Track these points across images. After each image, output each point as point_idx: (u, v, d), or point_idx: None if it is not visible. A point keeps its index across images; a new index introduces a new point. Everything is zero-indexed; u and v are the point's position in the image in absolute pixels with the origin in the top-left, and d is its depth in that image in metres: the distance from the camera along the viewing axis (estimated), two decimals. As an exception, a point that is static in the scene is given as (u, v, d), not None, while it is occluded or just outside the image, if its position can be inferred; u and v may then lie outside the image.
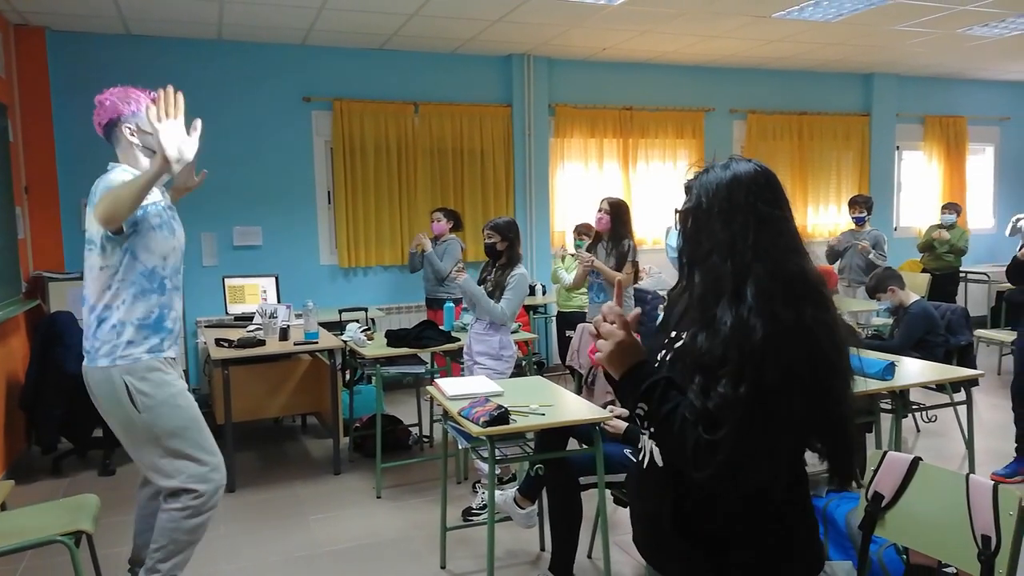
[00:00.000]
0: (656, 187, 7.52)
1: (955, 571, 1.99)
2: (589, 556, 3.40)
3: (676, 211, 1.52)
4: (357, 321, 4.94)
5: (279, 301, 5.34)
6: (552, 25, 5.92)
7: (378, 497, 4.17)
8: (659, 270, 6.83)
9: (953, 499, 1.90)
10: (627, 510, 3.53)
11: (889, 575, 2.52)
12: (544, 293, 6.81)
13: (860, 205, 6.56)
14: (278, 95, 6.32)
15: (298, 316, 4.89)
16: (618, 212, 4.67)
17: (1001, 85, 9.07)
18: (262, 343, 4.45)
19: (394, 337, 4.37)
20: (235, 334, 4.62)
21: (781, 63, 7.61)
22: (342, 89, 6.46)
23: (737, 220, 1.37)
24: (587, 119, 7.26)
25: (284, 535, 3.73)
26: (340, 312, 5.52)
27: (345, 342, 4.50)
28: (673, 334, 1.52)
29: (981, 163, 9.22)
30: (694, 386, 1.32)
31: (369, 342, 4.45)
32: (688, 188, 1.49)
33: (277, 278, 5.52)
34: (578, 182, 7.32)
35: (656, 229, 7.49)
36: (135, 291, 2.54)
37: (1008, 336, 6.13)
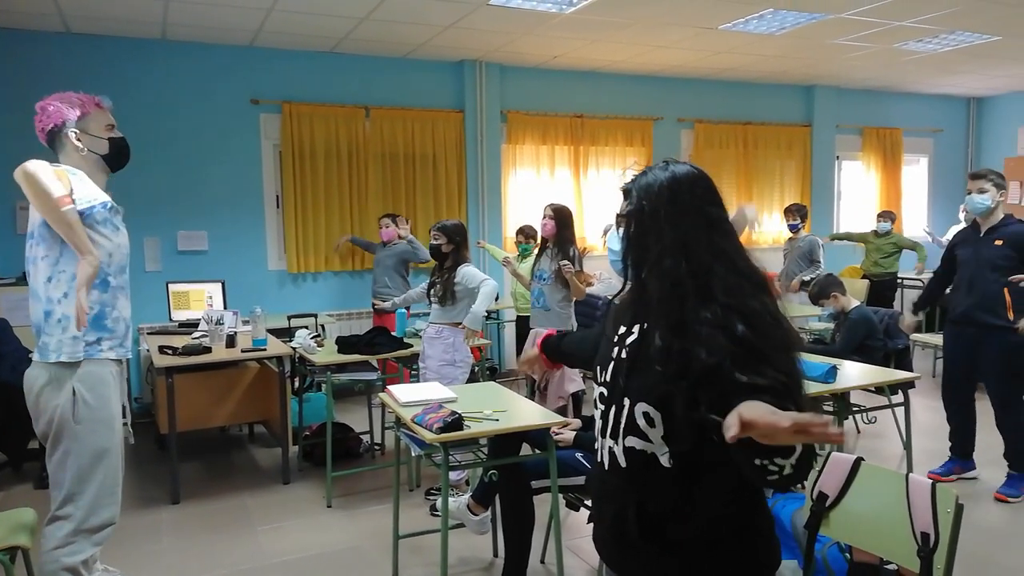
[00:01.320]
0: (607, 194, 7.61)
1: (896, 568, 2.06)
2: (542, 561, 3.41)
3: (617, 215, 1.55)
4: (307, 327, 4.86)
5: (226, 307, 5.22)
6: (504, 32, 5.95)
7: (328, 506, 4.11)
8: (608, 275, 6.90)
9: (893, 498, 1.96)
10: (579, 514, 3.57)
11: (833, 573, 2.59)
12: (497, 299, 6.80)
13: (794, 213, 6.76)
14: (225, 97, 6.20)
15: (245, 322, 4.80)
16: (562, 217, 4.70)
17: (935, 98, 9.45)
18: (208, 350, 4.34)
19: (345, 343, 4.32)
20: (179, 341, 4.50)
21: (727, 74, 7.79)
22: (291, 92, 6.37)
23: (687, 221, 1.40)
24: (539, 126, 7.31)
25: (231, 547, 3.64)
26: (289, 318, 5.43)
27: (294, 349, 4.43)
28: (623, 329, 1.53)
29: (916, 173, 9.58)
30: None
31: (319, 349, 4.38)
32: (627, 191, 1.51)
33: (224, 284, 5.40)
34: (530, 188, 7.35)
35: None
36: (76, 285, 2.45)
37: (941, 339, 6.37)
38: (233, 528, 3.86)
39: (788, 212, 6.82)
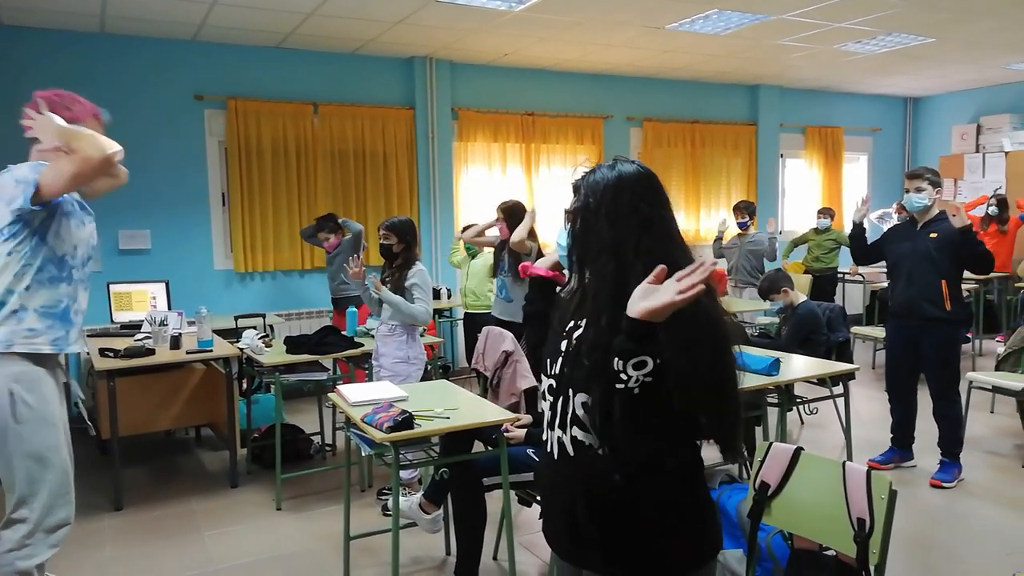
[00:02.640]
0: (558, 192, 7.65)
1: (834, 553, 2.13)
2: (495, 558, 3.42)
3: (565, 211, 1.58)
4: (254, 328, 4.78)
5: (170, 308, 5.09)
6: (453, 29, 5.94)
7: (278, 509, 4.05)
8: (565, 269, 6.96)
9: (831, 485, 2.03)
10: (531, 510, 3.59)
11: (776, 560, 2.66)
12: (449, 297, 6.80)
13: (743, 211, 6.90)
14: (168, 93, 6.04)
15: (191, 323, 4.69)
16: (512, 215, 4.75)
17: (873, 98, 9.75)
18: (151, 352, 4.24)
19: (294, 343, 4.26)
20: (122, 343, 4.38)
21: (675, 73, 7.91)
22: (237, 88, 6.24)
23: (622, 221, 1.44)
24: (490, 123, 7.31)
25: (177, 554, 3.56)
26: (236, 319, 5.33)
27: (241, 350, 4.35)
28: (571, 324, 1.56)
29: (856, 171, 9.88)
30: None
31: (267, 349, 4.32)
32: (576, 188, 1.54)
33: (168, 284, 5.27)
34: (482, 186, 7.35)
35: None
36: (43, 277, 2.46)
37: (881, 332, 6.59)
38: (179, 534, 3.78)
39: (737, 210, 6.96)
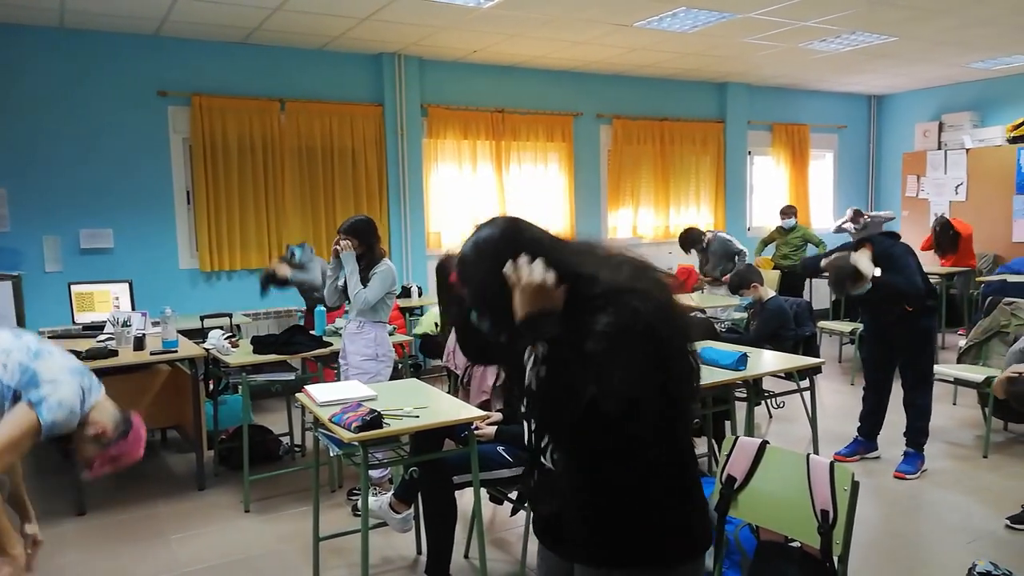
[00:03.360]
0: (529, 189, 7.66)
1: (799, 545, 2.15)
2: (466, 556, 3.42)
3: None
4: (221, 328, 4.71)
5: (133, 308, 5.00)
6: (422, 26, 5.90)
7: (246, 511, 4.00)
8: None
9: (796, 478, 2.05)
10: (502, 508, 3.59)
11: (745, 552, 2.69)
12: (420, 295, 6.77)
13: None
14: (130, 89, 5.92)
15: (155, 324, 4.61)
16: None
17: (839, 96, 9.90)
18: (114, 354, 4.16)
19: (261, 343, 4.20)
20: (84, 345, 4.28)
21: (644, 71, 7.95)
22: (201, 84, 6.14)
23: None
24: (460, 120, 7.28)
25: (142, 558, 3.50)
26: (202, 319, 5.25)
27: (207, 350, 4.28)
28: (529, 355, 1.58)
29: (822, 167, 10.02)
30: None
31: (234, 349, 4.25)
32: (462, 279, 1.57)
33: (131, 284, 5.17)
34: (452, 183, 7.33)
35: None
36: None
37: (847, 327, 6.71)
38: (144, 538, 3.71)
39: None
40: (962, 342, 5.37)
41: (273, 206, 6.44)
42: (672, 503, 1.49)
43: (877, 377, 4.51)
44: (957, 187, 8.65)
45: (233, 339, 4.38)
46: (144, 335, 4.32)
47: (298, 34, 6.07)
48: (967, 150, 8.87)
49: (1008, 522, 3.59)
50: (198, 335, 4.85)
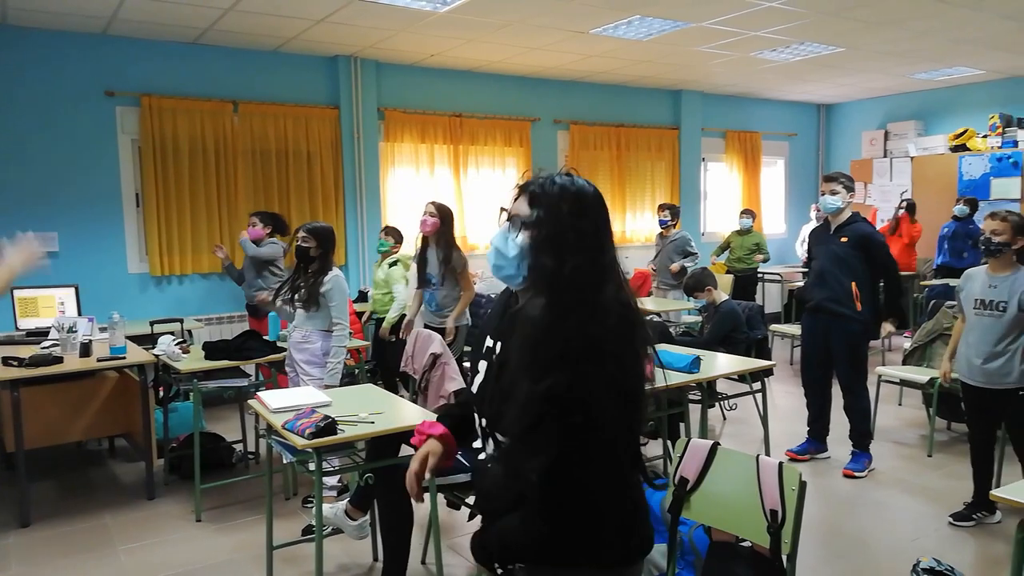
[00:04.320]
0: (487, 193, 7.66)
1: (750, 545, 2.19)
2: (423, 562, 3.40)
3: (510, 215, 1.51)
4: (171, 333, 4.61)
5: (80, 313, 4.87)
6: (378, 28, 5.87)
7: (198, 520, 3.91)
8: (489, 275, 6.96)
9: (746, 479, 2.09)
10: (460, 513, 3.58)
11: (699, 553, 2.73)
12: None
13: (666, 210, 7.07)
14: (77, 89, 5.77)
15: (103, 330, 4.49)
16: (445, 215, 4.74)
17: (789, 104, 10.14)
18: (59, 360, 4.03)
19: (213, 349, 4.12)
20: (27, 351, 4.14)
21: (600, 77, 8.03)
22: (151, 84, 6.02)
23: (578, 230, 1.44)
24: (417, 124, 7.26)
25: (90, 571, 3.40)
26: (152, 324, 5.13)
27: (157, 356, 4.19)
28: (489, 343, 1.57)
29: (773, 174, 10.25)
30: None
31: (185, 355, 4.17)
32: (534, 195, 1.48)
33: (77, 288, 5.02)
34: (410, 187, 7.30)
35: (489, 235, 7.63)
36: None
37: (798, 330, 6.86)
38: (92, 550, 3.61)
39: (661, 208, 7.12)
40: (907, 344, 5.54)
41: (226, 209, 6.33)
42: (612, 505, 1.48)
43: (813, 381, 4.63)
44: (902, 194, 8.93)
45: (184, 345, 4.29)
46: (91, 341, 4.20)
47: (251, 35, 5.98)
48: (911, 158, 9.16)
49: (951, 520, 3.71)
50: (148, 341, 4.73)
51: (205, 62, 6.23)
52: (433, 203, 4.76)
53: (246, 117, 6.38)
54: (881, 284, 4.49)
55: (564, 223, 1.43)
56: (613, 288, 1.43)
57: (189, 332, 5.50)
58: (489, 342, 1.58)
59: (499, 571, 1.46)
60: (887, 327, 4.37)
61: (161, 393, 4.88)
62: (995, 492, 2.15)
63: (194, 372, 3.99)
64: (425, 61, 7.04)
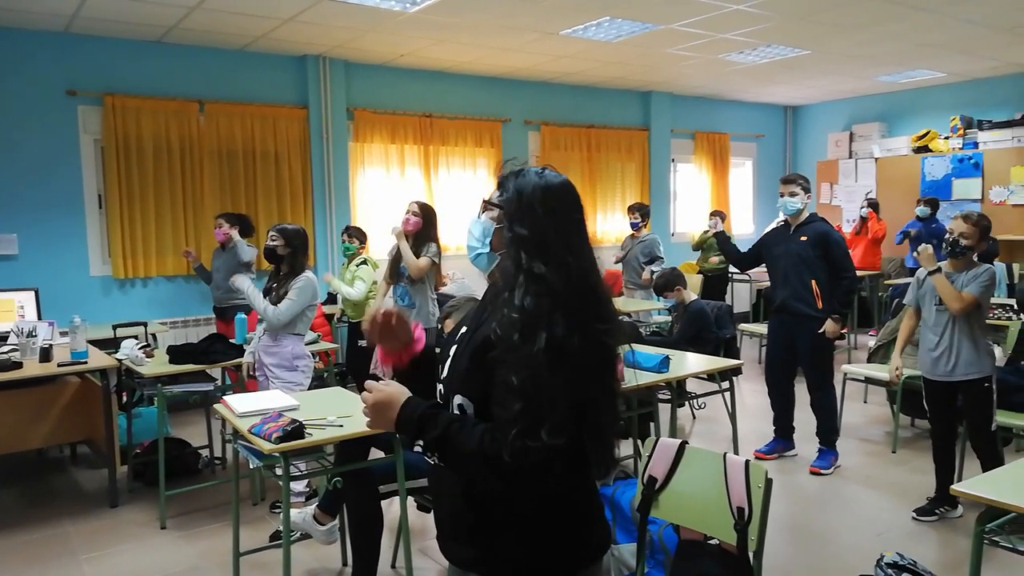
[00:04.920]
0: (458, 194, 7.64)
1: (718, 542, 2.21)
2: (393, 565, 3.37)
3: (486, 201, 1.54)
4: (135, 337, 4.52)
5: (40, 318, 4.75)
6: (347, 28, 5.83)
7: (163, 528, 3.84)
8: (462, 275, 6.95)
9: (713, 477, 2.11)
10: (430, 516, 3.55)
11: (668, 552, 2.75)
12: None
13: (636, 212, 7.09)
14: (37, 87, 5.64)
15: (64, 334, 4.39)
16: (428, 215, 4.72)
17: (757, 106, 10.26)
18: (18, 365, 3.93)
19: (177, 353, 4.05)
20: (-16, 357, 4.04)
21: (570, 78, 8.06)
22: (114, 83, 5.90)
23: (555, 219, 1.44)
24: (387, 124, 7.22)
25: (48, 580, 3.32)
26: (115, 328, 5.03)
27: (120, 361, 4.11)
28: (464, 329, 1.57)
29: (742, 175, 10.37)
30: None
31: (149, 359, 4.09)
32: (502, 182, 1.52)
33: (37, 292, 4.91)
34: (380, 188, 7.25)
35: (459, 235, 7.61)
36: None
37: (766, 329, 6.94)
38: (52, 559, 3.52)
39: (631, 210, 7.14)
40: (872, 342, 5.63)
41: (192, 210, 6.23)
42: (568, 508, 1.48)
43: (777, 381, 4.68)
44: (867, 194, 9.08)
45: (148, 349, 4.21)
46: (51, 345, 4.11)
47: (218, 34, 5.90)
48: (876, 159, 9.33)
49: (914, 515, 3.77)
50: (111, 345, 4.63)
51: (170, 61, 6.12)
52: (417, 202, 4.77)
53: (212, 117, 6.29)
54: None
55: (527, 206, 1.45)
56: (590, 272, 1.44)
57: (153, 336, 5.41)
58: (464, 330, 1.57)
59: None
60: (829, 326, 4.36)
61: (124, 398, 4.78)
62: (955, 487, 2.18)
63: (158, 376, 3.91)
64: (395, 61, 7.00)
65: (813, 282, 4.35)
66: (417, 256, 4.59)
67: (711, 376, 4.24)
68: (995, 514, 2.09)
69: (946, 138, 8.72)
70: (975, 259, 3.64)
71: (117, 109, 5.87)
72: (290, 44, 6.29)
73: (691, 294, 5.19)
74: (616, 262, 7.19)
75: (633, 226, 7.05)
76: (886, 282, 8.01)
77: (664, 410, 4.01)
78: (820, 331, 4.36)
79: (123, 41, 5.92)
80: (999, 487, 2.13)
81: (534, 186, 1.47)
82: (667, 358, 3.77)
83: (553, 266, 1.40)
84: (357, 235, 5.76)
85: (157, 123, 6.05)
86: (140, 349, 4.09)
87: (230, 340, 4.31)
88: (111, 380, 4.18)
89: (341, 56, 6.75)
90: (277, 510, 3.88)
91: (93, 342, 4.45)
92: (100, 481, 4.47)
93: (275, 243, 3.87)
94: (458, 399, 1.47)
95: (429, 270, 4.65)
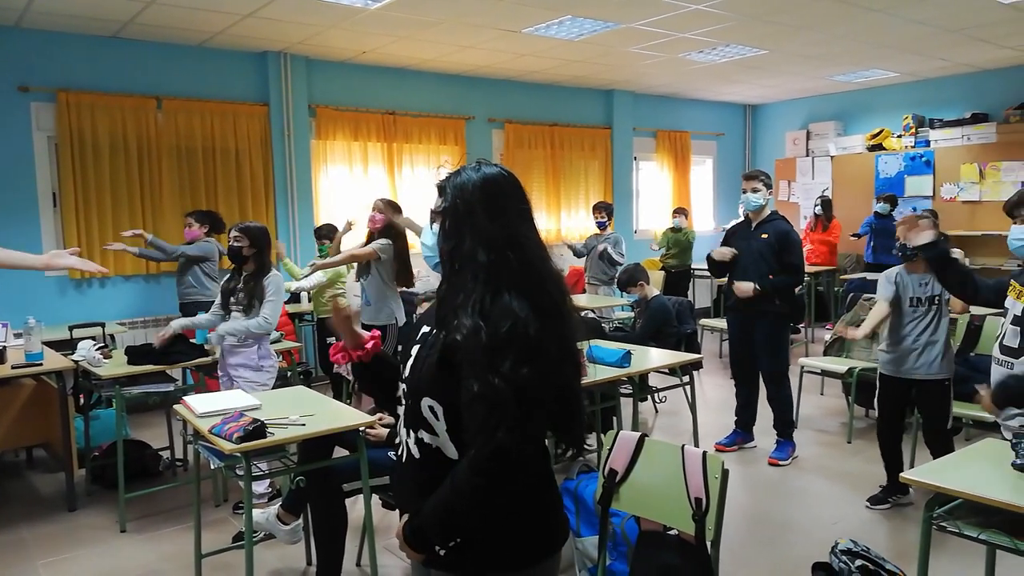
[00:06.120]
0: (423, 192, 7.62)
1: (677, 533, 2.26)
2: (358, 563, 3.37)
3: (431, 211, 1.59)
4: (93, 338, 4.44)
5: (-8, 319, 4.64)
6: (308, 24, 5.78)
7: (123, 531, 3.79)
8: (427, 274, 6.93)
9: (672, 469, 2.16)
10: (395, 513, 3.56)
11: (630, 543, 2.80)
12: (309, 300, 6.60)
13: (602, 211, 7.16)
14: (-14, 82, 5.49)
15: (18, 336, 4.29)
16: (393, 211, 4.73)
17: (717, 105, 10.41)
18: (-30, 368, 3.84)
19: (136, 353, 3.99)
20: (-66, 360, 3.94)
21: (534, 76, 8.09)
22: (69, 79, 5.77)
23: (491, 217, 1.47)
24: (350, 122, 7.17)
25: (4, 587, 3.26)
26: (71, 329, 4.92)
27: (77, 362, 4.03)
28: (426, 328, 1.58)
29: (702, 173, 10.51)
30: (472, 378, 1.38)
31: (106, 361, 4.02)
32: (441, 188, 1.56)
33: (-11, 293, 4.79)
34: (344, 185, 7.21)
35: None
36: None
37: (725, 324, 7.06)
38: (8, 566, 3.45)
39: (596, 209, 7.20)
40: (827, 336, 5.76)
41: (150, 208, 6.13)
42: (527, 504, 1.50)
43: (741, 373, 4.78)
44: (824, 191, 9.28)
45: (105, 350, 4.14)
46: (5, 347, 4.02)
47: (176, 29, 5.80)
48: (832, 157, 9.53)
49: (868, 503, 3.89)
50: (67, 347, 4.54)
51: (126, 56, 6.01)
52: (381, 200, 4.77)
53: (171, 114, 6.18)
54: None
55: (466, 205, 1.48)
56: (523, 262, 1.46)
57: (111, 337, 5.32)
58: (425, 329, 1.58)
59: (442, 552, 1.45)
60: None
61: (82, 400, 4.69)
62: (905, 475, 2.25)
63: (116, 378, 3.85)
64: (357, 58, 6.96)
65: (771, 278, 4.44)
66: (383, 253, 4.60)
67: (672, 370, 4.31)
68: (944, 500, 2.15)
69: (899, 136, 8.95)
70: None
71: (72, 105, 5.74)
72: (250, 40, 6.22)
73: (653, 290, 5.26)
74: (577, 255, 7.25)
75: (599, 225, 7.12)
76: (841, 277, 8.20)
77: (627, 404, 4.07)
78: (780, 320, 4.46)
79: (77, 36, 5.79)
80: (946, 474, 2.20)
81: (472, 183, 1.50)
82: (629, 353, 3.83)
83: (498, 261, 1.43)
84: (327, 235, 5.74)
85: (113, 120, 5.93)
86: (97, 350, 4.02)
87: (191, 340, 4.25)
88: (67, 382, 4.09)
89: (302, 52, 6.69)
90: (240, 511, 3.85)
91: (49, 343, 4.37)
92: (57, 485, 4.38)
93: (240, 243, 3.82)
94: (428, 401, 1.48)
95: (389, 269, 4.65)
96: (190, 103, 6.27)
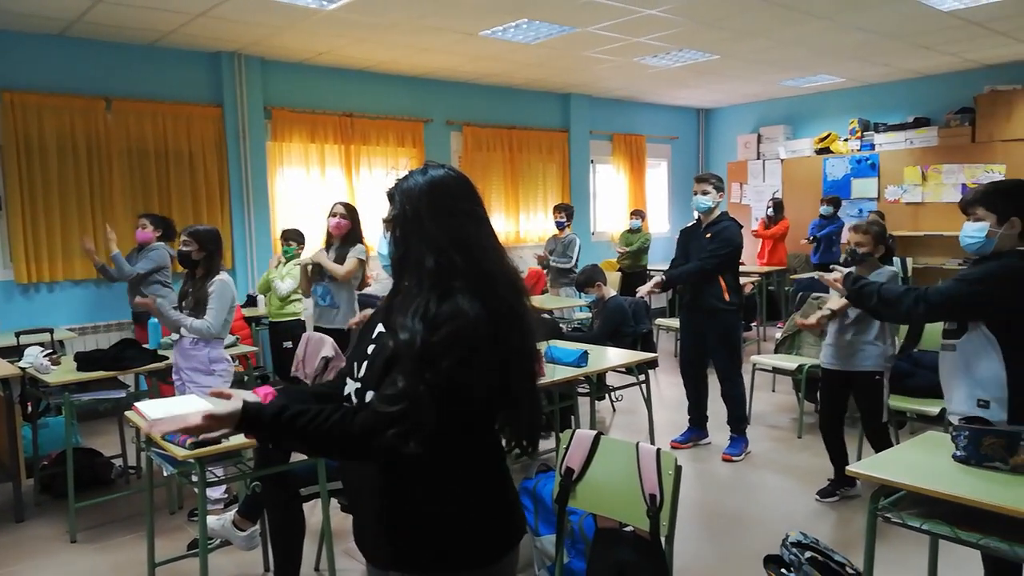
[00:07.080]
0: (381, 194, 7.57)
1: (632, 529, 2.31)
2: (316, 568, 3.36)
3: (383, 220, 1.60)
4: (40, 344, 4.33)
5: (-67, 326, 4.49)
6: (262, 25, 5.72)
7: (73, 541, 3.70)
8: (386, 276, 6.91)
9: (627, 466, 2.20)
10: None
11: (588, 541, 2.84)
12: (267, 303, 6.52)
13: (561, 211, 7.23)
14: (-76, 81, 5.31)
15: (-40, 343, 4.17)
16: (354, 215, 4.73)
17: (671, 109, 10.59)
18: (-91, 377, 3.72)
19: (86, 360, 3.91)
20: None
21: (491, 79, 8.13)
22: (13, 79, 5.61)
23: (439, 221, 1.48)
24: (307, 124, 7.11)
25: (-52, 602, 3.16)
26: (18, 335, 4.79)
27: (23, 369, 3.93)
28: (380, 328, 1.58)
29: (657, 175, 10.67)
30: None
31: (55, 367, 3.93)
32: (391, 196, 1.57)
33: (-71, 299, 4.64)
34: (300, 188, 7.14)
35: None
36: None
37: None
38: (-50, 580, 3.35)
39: (556, 210, 7.27)
40: (778, 334, 5.91)
41: (100, 211, 5.99)
42: (487, 500, 1.52)
43: (690, 372, 4.88)
44: (774, 193, 9.50)
45: (54, 356, 4.04)
46: (-54, 355, 3.89)
47: (125, 28, 5.69)
48: (782, 160, 9.77)
49: (817, 496, 4.01)
50: (14, 353, 4.42)
51: (74, 56, 5.87)
52: (342, 204, 4.76)
53: (121, 115, 6.05)
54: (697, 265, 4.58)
55: (414, 211, 1.50)
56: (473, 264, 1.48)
57: (60, 343, 5.19)
58: (380, 328, 1.59)
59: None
60: (655, 280, 4.55)
61: (29, 408, 4.57)
62: (851, 468, 2.32)
63: (66, 384, 3.77)
64: (313, 59, 6.91)
65: (720, 277, 4.55)
66: (347, 257, 4.58)
67: (629, 369, 4.39)
68: (888, 492, 2.23)
69: (845, 140, 9.22)
70: (878, 260, 3.87)
71: (16, 106, 5.59)
72: (203, 40, 6.13)
73: (611, 290, 5.34)
74: (540, 262, 7.31)
75: (558, 225, 7.18)
76: (791, 277, 8.41)
77: (584, 403, 4.12)
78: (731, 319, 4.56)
79: (21, 35, 5.63)
80: (890, 467, 2.28)
81: (419, 188, 1.52)
82: (586, 353, 3.88)
83: (446, 264, 1.45)
84: (294, 237, 5.69)
85: (61, 121, 5.79)
86: (45, 356, 3.93)
87: (143, 345, 4.18)
88: (14, 390, 3.99)
89: (257, 53, 6.62)
90: (195, 518, 3.80)
91: (-7, 351, 4.25)
92: (4, 495, 4.25)
93: (189, 248, 3.77)
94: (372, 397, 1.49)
95: (359, 273, 4.66)
96: (141, 104, 6.15)
